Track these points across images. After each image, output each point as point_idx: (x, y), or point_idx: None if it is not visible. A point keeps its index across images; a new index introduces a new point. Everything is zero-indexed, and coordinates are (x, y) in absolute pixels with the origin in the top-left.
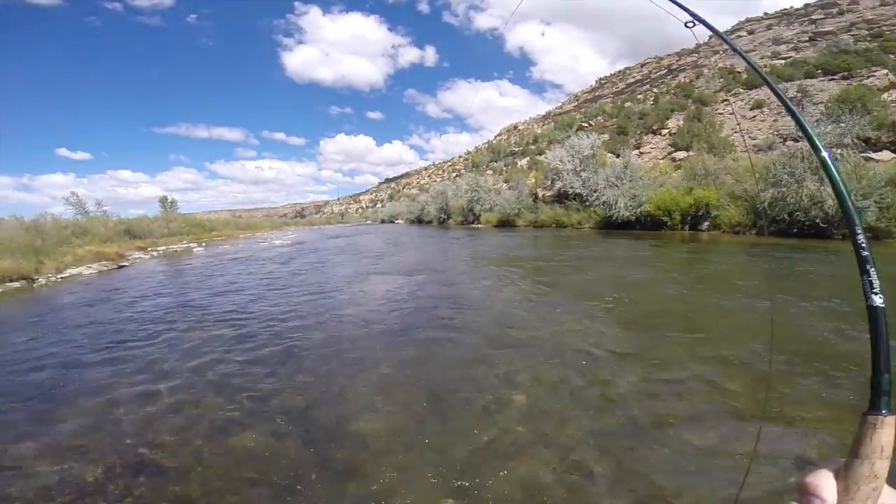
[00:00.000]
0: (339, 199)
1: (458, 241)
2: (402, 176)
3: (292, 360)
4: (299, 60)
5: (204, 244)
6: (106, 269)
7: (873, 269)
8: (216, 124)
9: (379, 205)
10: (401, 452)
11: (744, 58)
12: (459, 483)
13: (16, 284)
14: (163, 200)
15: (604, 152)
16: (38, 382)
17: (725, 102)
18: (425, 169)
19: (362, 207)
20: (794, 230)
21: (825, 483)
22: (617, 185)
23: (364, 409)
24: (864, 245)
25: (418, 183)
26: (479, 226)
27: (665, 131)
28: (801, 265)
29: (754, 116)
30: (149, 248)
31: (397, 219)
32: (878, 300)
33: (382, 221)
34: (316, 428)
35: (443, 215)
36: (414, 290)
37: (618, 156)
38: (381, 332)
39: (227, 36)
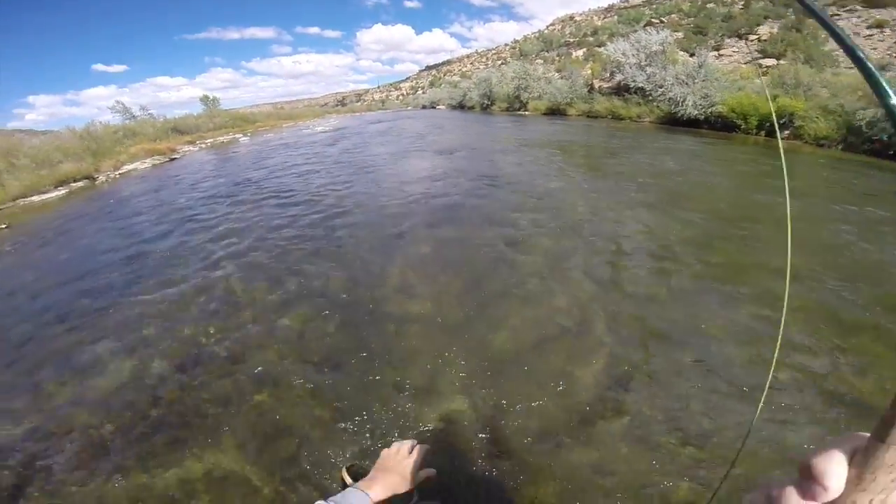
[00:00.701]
0: (378, 88)
1: (502, 126)
2: (442, 63)
3: (335, 237)
4: None
5: (249, 134)
6: (159, 162)
7: None
8: (247, 25)
9: (419, 91)
10: (437, 337)
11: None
12: (494, 371)
13: (80, 184)
14: (204, 99)
15: (675, 50)
16: (126, 256)
17: (836, 17)
18: (467, 57)
19: (402, 94)
20: (891, 152)
21: (834, 469)
22: (687, 84)
23: (403, 290)
24: None
25: (460, 70)
26: (526, 113)
27: (754, 37)
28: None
29: (871, 35)
30: (196, 142)
31: (438, 104)
32: None
33: (423, 107)
34: (356, 309)
35: (486, 101)
36: (455, 168)
37: (692, 55)
38: (422, 210)
39: None
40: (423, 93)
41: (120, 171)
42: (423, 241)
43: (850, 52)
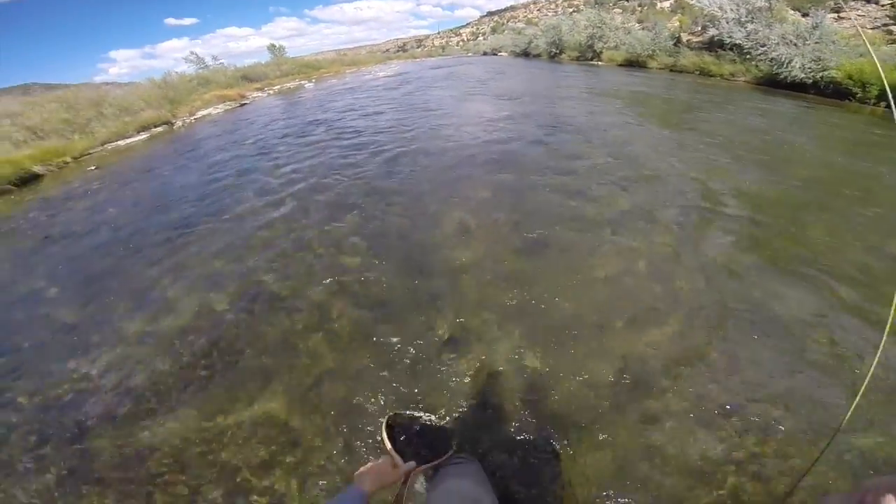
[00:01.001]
0: (439, 33)
1: (571, 74)
2: (506, 9)
3: (397, 178)
4: None
5: (314, 80)
6: (230, 107)
7: None
8: None
9: (481, 38)
10: (491, 291)
11: None
12: (548, 332)
13: (160, 129)
14: (271, 48)
15: (785, 7)
16: (200, 193)
17: None
18: (534, 2)
19: (463, 41)
20: None
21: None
22: (797, 45)
23: (460, 236)
24: None
25: (525, 17)
26: (599, 63)
27: (886, 2)
28: None
29: None
30: (265, 88)
31: (500, 51)
32: None
33: (485, 54)
34: (412, 253)
35: (554, 49)
36: (517, 114)
37: (804, 15)
38: (483, 155)
39: None
40: (485, 39)
41: (195, 117)
42: (482, 185)
43: None
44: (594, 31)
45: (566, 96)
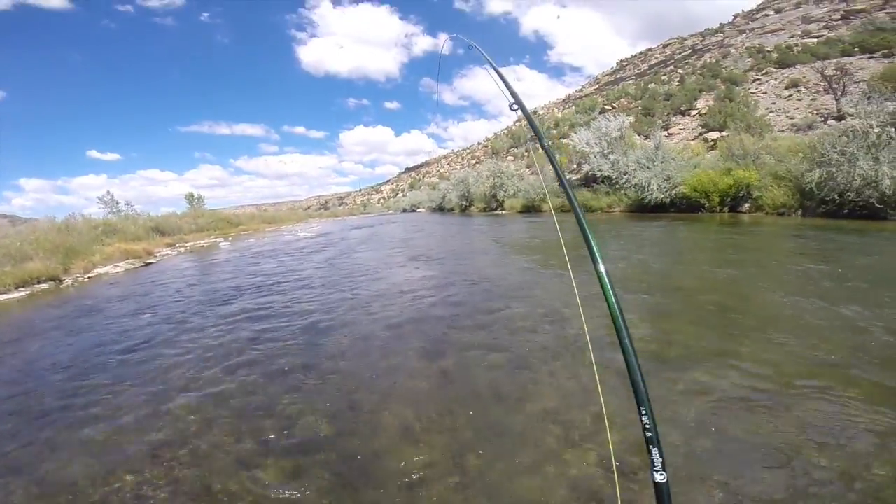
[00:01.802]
0: (360, 190)
1: (481, 229)
2: (421, 165)
3: (319, 368)
4: (314, 54)
5: (230, 239)
6: (133, 266)
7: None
8: (237, 121)
9: (400, 194)
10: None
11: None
12: None
13: (43, 286)
14: (189, 197)
15: (632, 133)
16: (68, 378)
17: (757, 82)
18: (444, 157)
19: (384, 197)
20: (845, 211)
21: None
22: (649, 167)
23: (405, 439)
24: None
25: (438, 171)
26: (503, 212)
27: (694, 112)
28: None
29: (790, 95)
30: (176, 245)
31: (419, 207)
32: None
33: (404, 210)
34: (349, 465)
35: (465, 202)
36: (442, 280)
37: (646, 137)
38: (413, 334)
39: (240, 33)
40: (404, 195)
41: (90, 275)
42: (419, 373)
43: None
44: (495, 180)
45: (480, 250)
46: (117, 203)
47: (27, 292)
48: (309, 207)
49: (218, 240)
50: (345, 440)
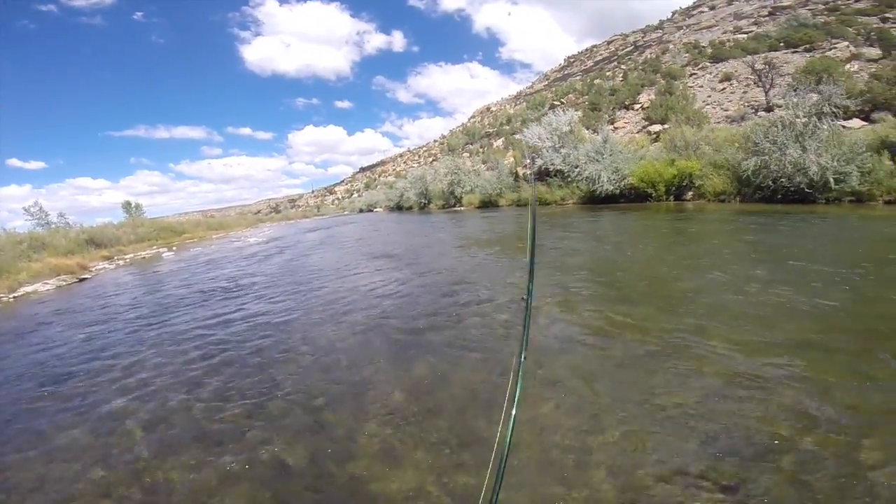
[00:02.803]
0: (313, 192)
1: (440, 225)
2: (377, 164)
3: (279, 389)
4: (259, 53)
5: (174, 248)
6: (65, 283)
7: None
8: (176, 123)
9: (356, 194)
10: None
11: None
12: None
13: None
14: (126, 206)
15: (581, 128)
16: None
17: (694, 76)
18: (400, 156)
19: (338, 198)
20: (779, 196)
21: None
22: (598, 160)
23: (384, 458)
24: None
25: (394, 170)
26: (462, 208)
27: (637, 106)
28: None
29: (724, 89)
30: (115, 257)
31: (376, 207)
32: None
33: (360, 211)
34: (326, 496)
35: (423, 200)
36: (405, 283)
37: (594, 131)
38: (380, 339)
39: (178, 32)
40: (359, 195)
41: (15, 294)
42: (390, 383)
43: None
44: (453, 177)
45: (442, 251)
46: (47, 214)
47: None
48: (259, 211)
49: (161, 250)
50: (319, 467)
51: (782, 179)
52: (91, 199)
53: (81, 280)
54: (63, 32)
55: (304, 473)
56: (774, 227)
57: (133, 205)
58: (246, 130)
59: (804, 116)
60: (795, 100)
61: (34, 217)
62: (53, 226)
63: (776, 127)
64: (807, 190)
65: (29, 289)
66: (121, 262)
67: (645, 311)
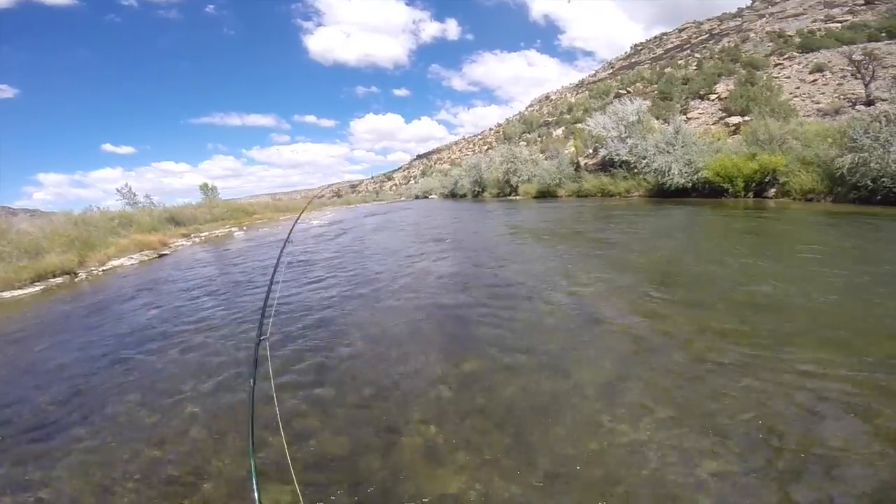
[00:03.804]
0: (372, 178)
1: (495, 214)
2: (432, 152)
3: (329, 376)
4: (321, 43)
5: (245, 227)
6: (147, 258)
7: None
8: (248, 111)
9: (412, 181)
10: None
11: None
12: None
13: (58, 280)
14: (203, 188)
15: (650, 118)
16: (63, 390)
17: (779, 66)
18: (455, 144)
19: (396, 184)
20: (878, 198)
21: None
22: (669, 152)
23: (428, 457)
24: None
25: (449, 158)
26: (517, 197)
27: (714, 96)
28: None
29: (815, 80)
30: (192, 235)
31: (431, 194)
32: None
33: (416, 197)
34: (363, 490)
35: (477, 188)
36: (461, 273)
37: (665, 122)
38: (433, 333)
39: (246, 24)
40: (416, 182)
41: (105, 267)
42: (441, 379)
43: None
44: (509, 165)
45: (500, 245)
46: (135, 195)
47: (41, 287)
48: (322, 196)
49: (233, 229)
50: (361, 461)
51: (884, 179)
52: (174, 181)
53: (161, 256)
54: (143, 25)
55: (348, 468)
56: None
57: (210, 187)
58: (311, 118)
59: None
60: None
61: (125, 197)
62: (140, 205)
63: (879, 122)
64: None
65: (116, 263)
66: (196, 240)
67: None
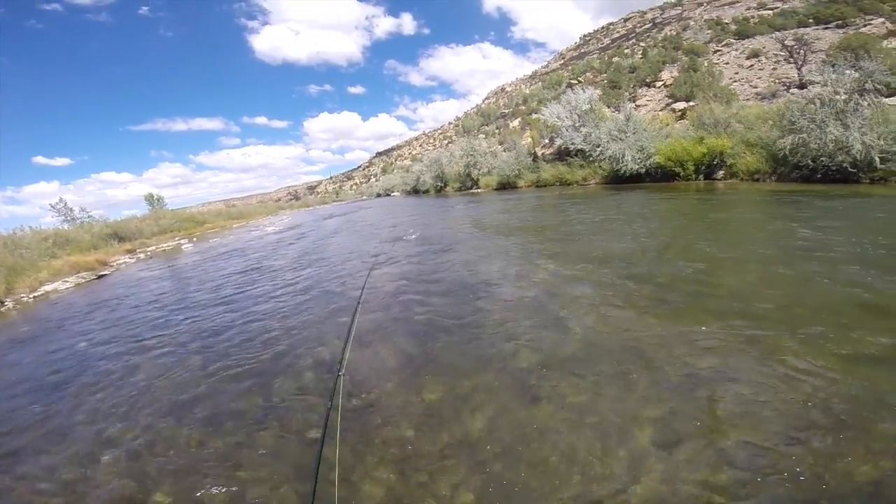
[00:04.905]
0: (331, 178)
1: (457, 208)
2: (392, 149)
3: (286, 414)
4: (268, 42)
5: (195, 239)
6: (84, 280)
7: None
8: (193, 115)
9: (373, 179)
10: None
11: None
12: None
13: None
14: (149, 198)
15: (602, 106)
16: None
17: (718, 53)
18: (416, 139)
19: (356, 184)
20: (819, 175)
21: None
22: (621, 139)
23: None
24: None
25: (410, 154)
26: (479, 190)
27: (659, 83)
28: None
29: (752, 65)
30: (137, 250)
31: (393, 191)
32: None
33: (378, 195)
34: None
35: (439, 183)
36: (428, 279)
37: (616, 110)
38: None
39: (185, 25)
40: (377, 180)
41: (36, 294)
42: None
43: None
44: (469, 159)
45: (458, 241)
46: (71, 210)
47: None
48: (279, 199)
49: (181, 241)
50: None
51: (823, 158)
52: (118, 192)
53: (101, 277)
54: (70, 30)
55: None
56: (835, 209)
57: (155, 197)
58: (262, 119)
59: (845, 93)
60: (834, 76)
61: (60, 213)
62: (78, 221)
63: (814, 104)
64: (850, 169)
65: (49, 288)
66: (141, 256)
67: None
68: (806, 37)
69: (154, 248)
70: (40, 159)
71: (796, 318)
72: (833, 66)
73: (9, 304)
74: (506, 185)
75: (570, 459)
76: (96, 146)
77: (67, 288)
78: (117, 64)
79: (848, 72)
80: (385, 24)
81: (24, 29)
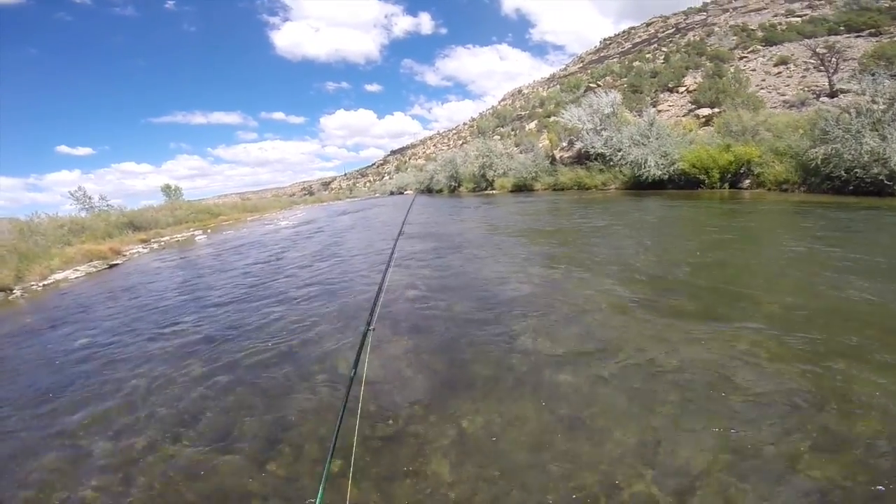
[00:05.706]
0: (345, 175)
1: (473, 212)
2: (407, 147)
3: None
4: (288, 38)
5: (209, 231)
6: (95, 269)
7: None
8: (212, 109)
9: (386, 177)
10: None
11: None
12: None
13: None
14: (166, 189)
15: (624, 110)
16: None
17: (744, 59)
18: (430, 139)
19: (370, 181)
20: (850, 187)
21: None
22: (644, 144)
23: None
24: None
25: (424, 153)
26: (493, 192)
27: (682, 89)
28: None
29: (779, 73)
30: (151, 240)
31: (406, 190)
32: None
33: (391, 193)
34: None
35: (453, 183)
36: (441, 285)
37: (637, 114)
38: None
39: (208, 20)
40: (390, 178)
41: (46, 282)
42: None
43: None
44: (484, 160)
45: (477, 247)
46: (90, 198)
47: None
48: (293, 194)
49: (195, 232)
50: None
51: (857, 170)
52: (136, 182)
53: (112, 266)
54: (97, 23)
55: None
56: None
57: (172, 188)
58: (279, 115)
59: (883, 103)
60: (874, 86)
61: (79, 201)
62: (96, 209)
63: (849, 113)
64: (886, 182)
65: (59, 276)
66: (155, 246)
67: None
68: (837, 44)
69: (168, 238)
70: (63, 148)
71: None
72: (873, 74)
73: (17, 291)
74: (522, 188)
75: None
76: (117, 137)
77: (78, 276)
78: (140, 57)
79: (887, 81)
80: (403, 23)
81: (54, 21)
